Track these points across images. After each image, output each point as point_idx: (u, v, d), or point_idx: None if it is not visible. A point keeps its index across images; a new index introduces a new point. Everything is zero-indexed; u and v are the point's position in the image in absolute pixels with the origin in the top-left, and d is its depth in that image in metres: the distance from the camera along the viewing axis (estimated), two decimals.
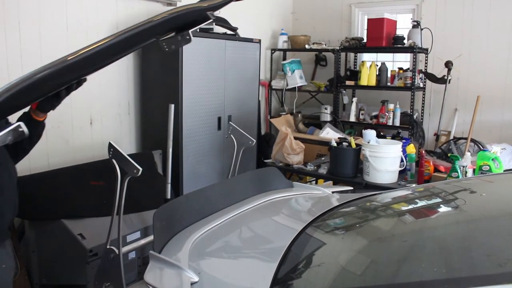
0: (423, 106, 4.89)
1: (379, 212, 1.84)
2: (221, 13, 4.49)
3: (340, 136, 4.32)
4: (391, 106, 4.70)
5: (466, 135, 4.44)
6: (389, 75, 4.86)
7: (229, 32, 4.41)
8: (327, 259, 1.44)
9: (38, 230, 2.86)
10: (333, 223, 1.73)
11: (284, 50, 5.51)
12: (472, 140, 4.39)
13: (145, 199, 3.21)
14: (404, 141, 3.42)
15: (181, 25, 1.58)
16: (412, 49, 4.59)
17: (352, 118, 5.01)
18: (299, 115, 5.06)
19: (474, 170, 2.99)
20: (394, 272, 1.25)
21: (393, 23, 4.83)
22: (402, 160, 3.18)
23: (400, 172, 3.21)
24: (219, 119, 4.20)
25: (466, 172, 2.93)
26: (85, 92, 3.18)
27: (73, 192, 2.93)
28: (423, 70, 4.80)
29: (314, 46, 5.25)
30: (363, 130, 3.41)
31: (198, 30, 3.95)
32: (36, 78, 1.22)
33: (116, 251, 1.94)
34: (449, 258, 1.25)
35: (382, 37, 4.67)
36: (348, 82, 5.02)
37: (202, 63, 3.99)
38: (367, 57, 5.39)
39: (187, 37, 1.61)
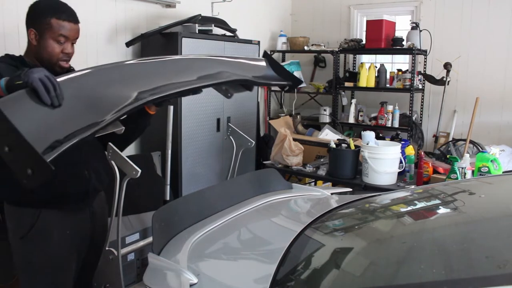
0: (422, 108, 4.90)
1: (378, 214, 1.84)
2: (221, 14, 4.50)
3: (339, 137, 4.32)
4: (390, 107, 4.71)
5: (465, 136, 4.45)
6: (388, 76, 4.86)
7: (228, 33, 4.41)
8: (326, 261, 1.44)
9: None
10: (332, 225, 1.73)
11: (283, 52, 5.51)
12: (471, 142, 4.40)
13: (144, 200, 3.20)
14: (403, 142, 3.41)
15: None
16: (411, 51, 4.60)
17: (351, 120, 5.01)
18: (298, 116, 5.06)
19: (473, 171, 2.99)
20: (393, 274, 1.26)
21: (392, 24, 4.83)
22: (401, 162, 3.18)
23: (399, 173, 3.21)
24: (218, 120, 4.21)
25: (465, 173, 2.94)
26: None
27: None
28: (422, 72, 4.81)
29: (313, 48, 5.26)
30: (362, 132, 3.40)
31: (197, 31, 3.95)
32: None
33: (115, 252, 1.94)
34: (448, 260, 1.25)
35: (381, 39, 4.68)
36: (347, 84, 5.03)
37: None
38: (366, 59, 5.39)
39: (229, 94, 2.09)
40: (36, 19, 1.76)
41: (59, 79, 1.41)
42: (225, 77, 1.90)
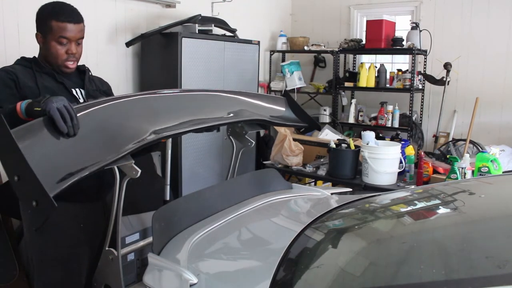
0: (422, 108, 4.90)
1: (378, 214, 1.84)
2: (221, 14, 4.50)
3: (339, 137, 4.32)
4: (390, 107, 4.71)
5: (465, 136, 4.45)
6: (388, 76, 4.87)
7: (228, 33, 4.41)
8: (326, 261, 1.44)
9: None
10: (332, 225, 1.73)
11: (283, 52, 5.51)
12: (471, 142, 4.40)
13: (144, 200, 3.20)
14: (403, 142, 3.41)
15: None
16: (411, 51, 4.60)
17: (351, 120, 5.01)
18: None
19: (473, 171, 2.99)
20: (393, 274, 1.26)
21: (392, 24, 4.83)
22: (401, 162, 3.18)
23: (399, 173, 3.20)
24: None
25: (465, 173, 2.94)
26: None
27: None
28: (422, 72, 4.80)
29: (313, 48, 5.26)
30: (362, 132, 3.40)
31: (197, 31, 3.95)
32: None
33: (115, 252, 1.94)
34: (448, 260, 1.25)
35: (381, 39, 4.68)
36: (347, 84, 5.03)
37: (201, 64, 3.99)
38: (366, 59, 5.39)
39: (244, 132, 2.18)
40: (40, 23, 1.83)
41: (78, 111, 1.46)
42: (242, 116, 1.98)
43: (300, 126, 2.31)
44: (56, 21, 1.79)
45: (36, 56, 1.89)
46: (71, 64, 1.87)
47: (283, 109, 2.27)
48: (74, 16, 1.84)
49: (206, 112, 1.92)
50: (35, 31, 1.85)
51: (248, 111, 2.03)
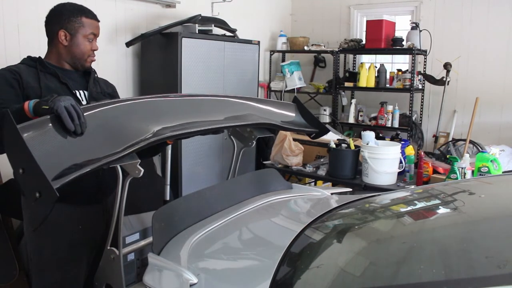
0: (422, 108, 4.90)
1: (378, 214, 1.84)
2: (221, 14, 4.50)
3: (339, 137, 4.32)
4: (390, 107, 4.71)
5: (465, 136, 4.45)
6: (388, 76, 4.87)
7: (228, 33, 4.41)
8: (326, 261, 1.44)
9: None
10: (332, 225, 1.73)
11: (283, 52, 5.51)
12: (471, 142, 4.40)
13: (144, 200, 3.20)
14: (403, 142, 3.41)
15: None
16: (411, 51, 4.60)
17: (351, 120, 5.02)
18: None
19: (472, 171, 3.00)
20: (393, 274, 1.26)
21: (392, 24, 4.84)
22: (401, 162, 3.18)
23: (399, 173, 3.21)
24: None
25: (465, 173, 2.94)
26: None
27: None
28: (422, 72, 4.81)
29: (313, 48, 5.26)
30: (362, 132, 3.41)
31: (197, 31, 3.95)
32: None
33: (117, 252, 1.94)
34: (448, 260, 1.25)
35: (381, 39, 4.68)
36: (347, 84, 5.03)
37: (201, 64, 3.99)
38: (366, 59, 5.40)
39: (253, 136, 2.18)
40: (67, 20, 1.83)
41: (85, 111, 1.48)
42: (252, 120, 1.97)
43: (310, 132, 2.31)
44: (86, 17, 1.86)
45: (42, 56, 1.88)
46: (93, 60, 1.94)
47: (293, 114, 2.27)
48: (96, 15, 1.92)
49: (214, 115, 1.92)
50: (58, 29, 1.83)
51: (257, 115, 2.03)
